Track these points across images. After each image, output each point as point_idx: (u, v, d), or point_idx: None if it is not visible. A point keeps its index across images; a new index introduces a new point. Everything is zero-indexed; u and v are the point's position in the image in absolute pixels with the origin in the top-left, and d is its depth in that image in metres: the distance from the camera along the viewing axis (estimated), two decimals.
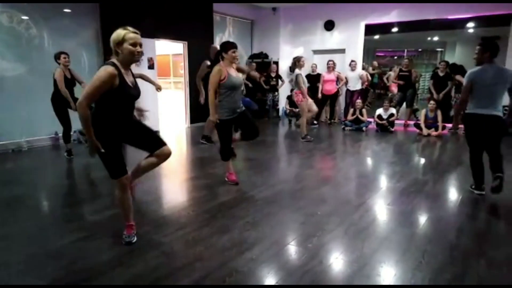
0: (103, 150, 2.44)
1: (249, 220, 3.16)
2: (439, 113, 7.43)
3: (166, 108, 9.02)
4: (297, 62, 6.77)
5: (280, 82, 9.85)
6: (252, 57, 10.62)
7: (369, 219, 3.22)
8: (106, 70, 2.34)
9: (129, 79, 2.50)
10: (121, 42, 2.41)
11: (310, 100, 7.01)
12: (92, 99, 2.35)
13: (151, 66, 7.61)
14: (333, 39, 9.76)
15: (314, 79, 9.35)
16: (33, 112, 6.02)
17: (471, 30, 12.87)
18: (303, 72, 6.77)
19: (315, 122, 8.94)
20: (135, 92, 2.56)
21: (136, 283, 2.22)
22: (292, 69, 6.86)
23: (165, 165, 5.47)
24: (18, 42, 5.91)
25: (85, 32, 6.67)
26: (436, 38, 15.42)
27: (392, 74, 9.76)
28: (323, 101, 9.04)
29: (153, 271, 2.34)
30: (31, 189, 4.18)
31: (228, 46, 3.91)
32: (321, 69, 9.35)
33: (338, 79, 9.01)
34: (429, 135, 7.33)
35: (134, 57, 2.44)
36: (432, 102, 7.60)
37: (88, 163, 5.17)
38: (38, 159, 5.60)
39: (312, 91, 9.40)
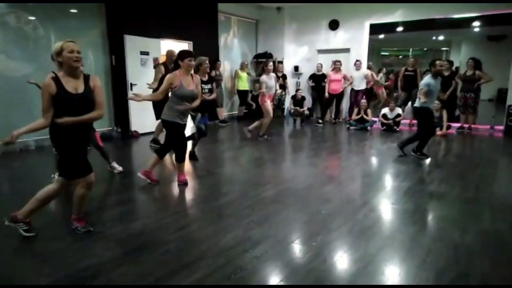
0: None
1: (254, 218, 3.18)
2: (444, 112, 7.40)
3: None
4: (264, 67, 6.84)
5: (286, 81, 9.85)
6: (257, 56, 10.64)
7: (374, 218, 3.22)
8: (43, 83, 2.62)
9: (72, 86, 2.63)
10: (60, 52, 2.60)
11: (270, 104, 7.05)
12: (47, 110, 2.60)
13: (156, 66, 7.65)
14: (337, 39, 9.75)
15: (319, 78, 9.36)
16: (39, 111, 6.08)
17: (477, 29, 12.81)
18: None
19: (319, 121, 8.94)
20: (78, 100, 2.64)
21: (142, 281, 2.25)
22: (260, 73, 6.96)
23: (170, 164, 5.53)
24: (26, 42, 5.98)
25: (91, 32, 6.73)
26: (441, 37, 15.36)
27: (369, 73, 9.52)
28: (329, 100, 9.03)
29: (159, 269, 2.36)
30: (38, 187, 4.21)
31: (184, 54, 3.93)
32: (326, 68, 9.35)
33: (344, 79, 8.97)
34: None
35: (73, 62, 2.60)
36: (436, 102, 7.55)
37: (93, 162, 5.19)
38: (45, 158, 5.66)
39: (317, 90, 9.44)
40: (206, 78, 5.00)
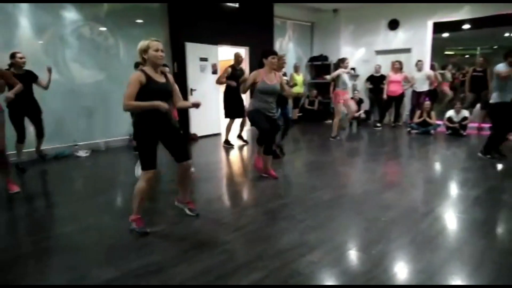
0: (167, 106, 2.85)
1: (310, 223, 3.15)
2: None
3: None
4: (341, 63, 6.88)
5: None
6: (312, 59, 10.56)
7: (439, 228, 3.05)
8: (133, 73, 2.86)
9: (159, 79, 2.90)
10: (146, 49, 2.84)
11: (351, 101, 7.27)
12: (132, 97, 2.77)
13: (214, 72, 7.92)
14: (397, 39, 9.37)
15: (377, 80, 9.06)
16: (110, 116, 6.58)
17: None
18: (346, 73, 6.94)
19: (378, 124, 8.63)
20: (163, 87, 2.92)
21: (202, 279, 2.32)
22: (335, 69, 7.02)
23: (228, 165, 5.68)
24: (97, 52, 6.51)
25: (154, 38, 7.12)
26: None
27: (432, 73, 8.81)
28: (387, 102, 8.70)
29: (218, 268, 2.43)
30: (108, 185, 4.56)
31: (268, 52, 4.28)
32: (384, 70, 9.02)
33: (406, 80, 8.55)
34: (507, 139, 6.70)
35: (157, 59, 2.85)
36: None
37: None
38: (115, 158, 6.10)
39: (375, 92, 9.14)
40: (282, 72, 5.45)
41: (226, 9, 8.06)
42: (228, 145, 6.70)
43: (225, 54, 9.11)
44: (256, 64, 4.51)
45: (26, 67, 4.98)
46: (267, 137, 4.36)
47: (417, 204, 3.66)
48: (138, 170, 4.10)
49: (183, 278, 2.33)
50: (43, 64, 5.69)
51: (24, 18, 5.69)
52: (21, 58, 4.86)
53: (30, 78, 4.98)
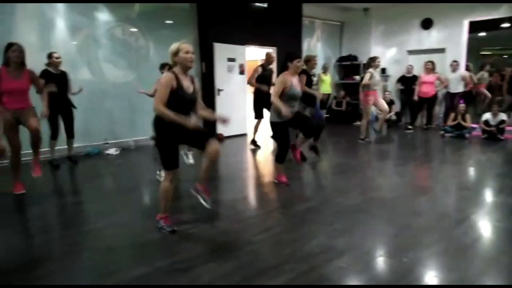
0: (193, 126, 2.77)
1: (338, 227, 3.09)
2: None
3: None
4: (372, 62, 6.69)
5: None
6: (340, 59, 10.40)
7: (474, 237, 2.91)
8: (165, 75, 2.84)
9: (186, 84, 2.84)
10: (176, 52, 2.82)
11: (382, 100, 6.97)
12: (164, 100, 2.73)
13: (241, 72, 7.94)
14: (431, 38, 9.06)
15: (409, 81, 8.80)
16: (139, 114, 6.72)
17: None
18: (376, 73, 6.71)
19: (409, 127, 8.38)
20: (190, 97, 2.87)
21: (229, 278, 2.32)
22: (366, 68, 6.84)
23: (254, 166, 5.67)
24: (129, 52, 6.67)
25: (184, 40, 7.23)
26: None
27: (468, 74, 8.38)
28: (419, 104, 8.43)
29: (245, 268, 2.42)
30: (137, 182, 4.66)
31: (293, 56, 4.08)
32: (417, 70, 8.75)
33: (440, 81, 8.24)
34: None
35: (187, 62, 2.81)
36: None
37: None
38: (144, 156, 6.22)
39: (407, 93, 8.88)
40: (312, 72, 5.40)
41: (255, 9, 8.07)
42: (254, 145, 6.68)
43: (253, 54, 9.14)
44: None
45: (61, 67, 5.17)
46: (285, 154, 4.21)
47: (451, 211, 3.52)
48: (162, 175, 4.15)
49: (210, 278, 2.34)
50: (77, 64, 5.91)
51: (60, 20, 5.90)
52: (57, 58, 5.06)
53: (64, 78, 5.16)
